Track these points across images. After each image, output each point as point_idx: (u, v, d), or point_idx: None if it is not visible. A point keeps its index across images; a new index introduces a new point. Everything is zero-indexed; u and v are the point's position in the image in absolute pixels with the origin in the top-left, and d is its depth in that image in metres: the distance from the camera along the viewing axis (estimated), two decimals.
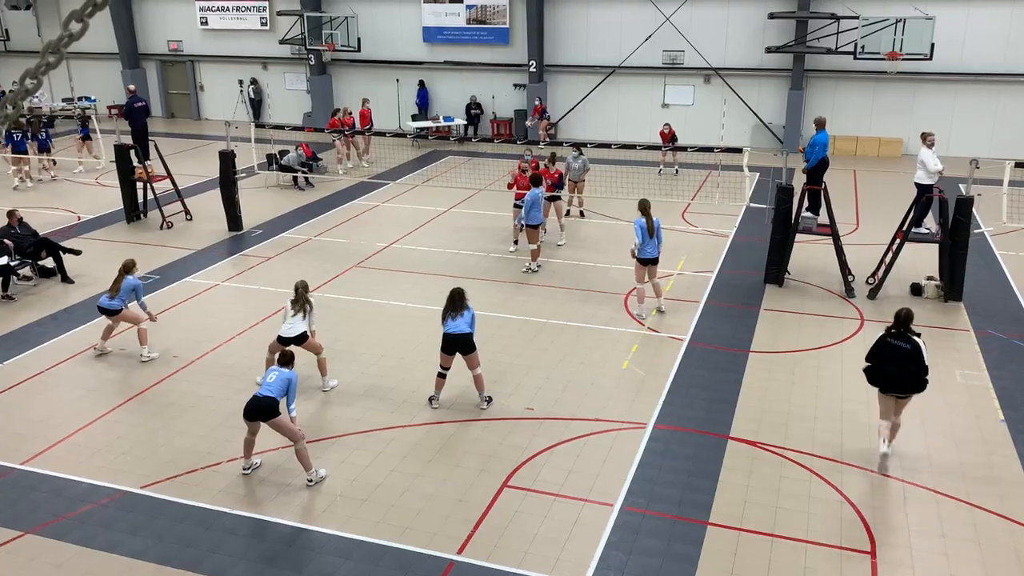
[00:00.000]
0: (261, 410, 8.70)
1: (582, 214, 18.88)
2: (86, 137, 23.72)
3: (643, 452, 9.49)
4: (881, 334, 9.13)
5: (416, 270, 15.66)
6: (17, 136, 21.41)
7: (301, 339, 10.55)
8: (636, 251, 12.97)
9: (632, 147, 17.98)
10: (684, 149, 17.99)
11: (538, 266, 15.43)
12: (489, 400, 10.53)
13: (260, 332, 12.70)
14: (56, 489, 8.91)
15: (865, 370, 9.18)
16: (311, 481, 8.93)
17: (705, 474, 9.09)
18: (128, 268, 11.94)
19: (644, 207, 13.03)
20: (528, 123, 26.80)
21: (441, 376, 10.46)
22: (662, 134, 23.09)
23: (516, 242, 16.62)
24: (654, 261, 13.12)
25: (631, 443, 9.68)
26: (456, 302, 10.22)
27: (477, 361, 10.34)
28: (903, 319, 8.92)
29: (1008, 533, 8.17)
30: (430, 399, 10.57)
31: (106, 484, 8.97)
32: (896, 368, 8.88)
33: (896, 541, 8.04)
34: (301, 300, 10.55)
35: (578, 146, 18.56)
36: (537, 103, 26.57)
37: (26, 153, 21.71)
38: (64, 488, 8.93)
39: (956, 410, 10.49)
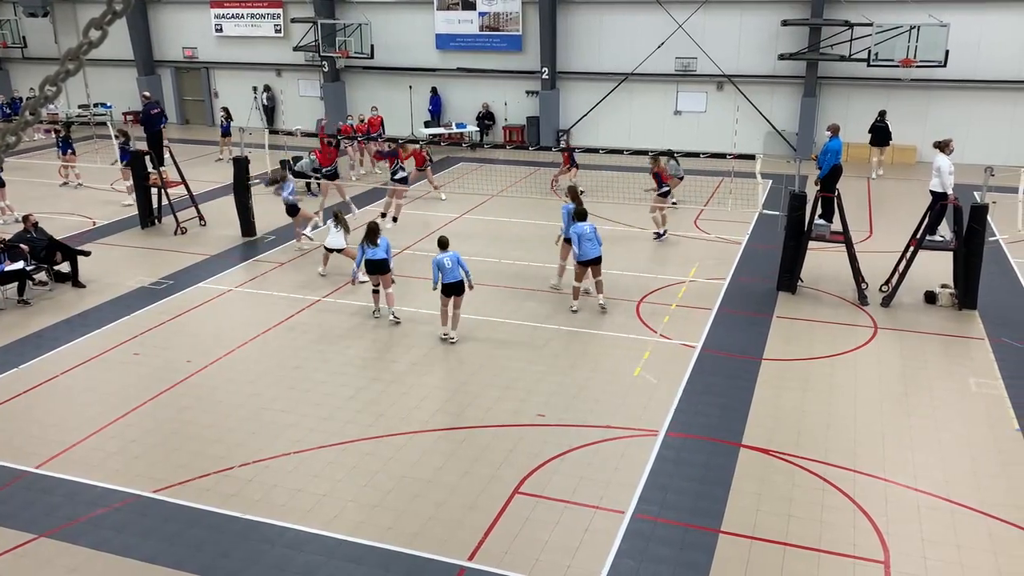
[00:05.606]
0: (458, 286, 12.40)
1: None
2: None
3: (655, 460, 9.47)
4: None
5: (427, 276, 15.63)
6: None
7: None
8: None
9: (644, 153, 17.98)
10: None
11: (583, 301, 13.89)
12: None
13: (272, 337, 12.76)
14: (70, 493, 8.97)
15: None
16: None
17: (717, 482, 9.06)
18: None
19: (573, 194, 14.38)
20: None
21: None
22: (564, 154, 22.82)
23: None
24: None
25: (643, 450, 9.66)
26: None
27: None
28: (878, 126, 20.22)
29: None
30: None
31: (119, 488, 9.01)
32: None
33: (910, 551, 7.98)
34: (342, 221, 15.00)
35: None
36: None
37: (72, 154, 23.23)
38: (78, 492, 8.98)
39: (970, 419, 10.42)
